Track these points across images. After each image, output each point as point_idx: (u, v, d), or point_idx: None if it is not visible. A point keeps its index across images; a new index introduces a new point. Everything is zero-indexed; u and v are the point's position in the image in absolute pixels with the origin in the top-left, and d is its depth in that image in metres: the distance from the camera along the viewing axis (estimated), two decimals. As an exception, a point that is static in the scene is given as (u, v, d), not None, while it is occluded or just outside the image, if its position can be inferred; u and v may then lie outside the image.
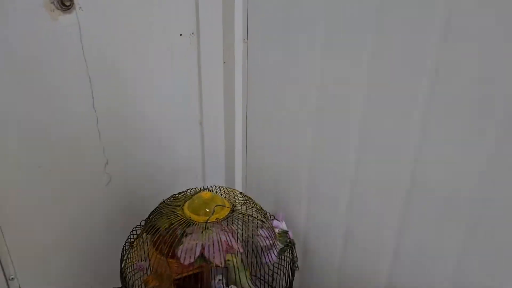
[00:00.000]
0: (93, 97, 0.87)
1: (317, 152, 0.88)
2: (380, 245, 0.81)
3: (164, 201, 0.92)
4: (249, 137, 1.06)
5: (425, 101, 0.65)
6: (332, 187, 0.87)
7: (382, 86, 0.71)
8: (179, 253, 0.79)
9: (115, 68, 0.89)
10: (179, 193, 0.94)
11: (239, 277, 0.85)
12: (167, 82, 0.98)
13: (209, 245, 0.77)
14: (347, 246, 0.89)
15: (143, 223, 0.96)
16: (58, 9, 0.77)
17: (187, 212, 0.83)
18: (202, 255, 0.79)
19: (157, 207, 0.91)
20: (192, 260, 0.78)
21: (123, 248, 0.90)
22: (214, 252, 0.77)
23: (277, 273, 0.88)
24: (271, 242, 0.86)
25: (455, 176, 0.65)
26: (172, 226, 0.81)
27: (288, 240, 0.91)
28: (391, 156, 0.73)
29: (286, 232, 0.92)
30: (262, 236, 0.86)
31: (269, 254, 0.87)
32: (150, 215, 0.90)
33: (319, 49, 0.80)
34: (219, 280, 0.95)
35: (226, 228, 0.81)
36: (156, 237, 0.80)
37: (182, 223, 0.80)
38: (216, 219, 0.82)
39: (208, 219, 0.81)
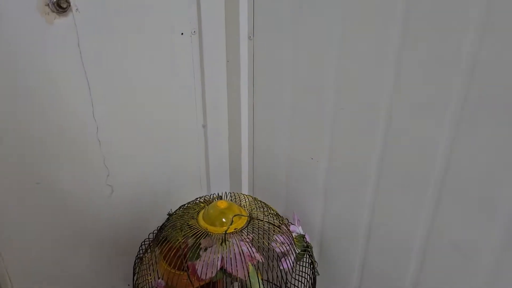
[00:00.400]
0: (92, 105, 0.81)
1: (335, 150, 0.84)
2: (407, 246, 0.78)
3: (174, 212, 0.87)
4: (256, 138, 1.02)
5: (459, 96, 0.62)
6: (353, 184, 0.83)
7: (410, 80, 0.68)
8: (198, 268, 0.74)
9: (115, 73, 0.83)
10: (188, 203, 0.89)
11: (257, 284, 0.81)
12: (169, 84, 0.92)
13: (230, 257, 0.73)
14: (369, 248, 0.86)
15: (151, 235, 0.91)
16: (54, 12, 0.71)
17: (202, 223, 0.79)
18: (222, 268, 0.75)
19: (167, 219, 0.86)
20: (212, 275, 0.74)
21: (134, 264, 0.84)
22: (236, 265, 0.72)
23: (297, 279, 0.85)
24: (288, 247, 0.82)
25: (491, 174, 0.62)
26: (190, 239, 0.77)
27: (305, 245, 0.88)
28: (420, 150, 0.70)
29: (303, 236, 0.89)
30: (278, 242, 0.82)
31: (286, 260, 0.83)
32: (161, 228, 0.85)
33: (337, 44, 0.76)
34: (236, 289, 0.92)
35: (246, 238, 0.77)
36: (174, 251, 0.76)
37: (199, 235, 0.76)
38: (235, 229, 0.77)
39: (226, 230, 0.76)
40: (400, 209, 0.77)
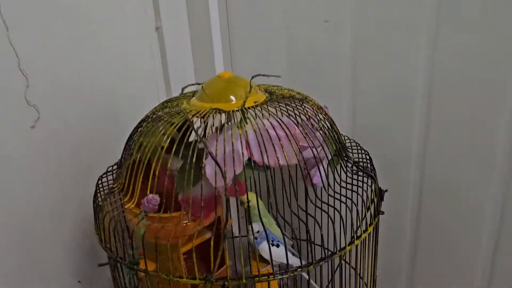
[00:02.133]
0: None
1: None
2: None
3: (143, 121, 0.54)
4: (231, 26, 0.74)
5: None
6: (402, 41, 0.60)
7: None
8: (207, 168, 0.43)
9: None
10: (162, 105, 0.56)
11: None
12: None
13: (263, 138, 0.44)
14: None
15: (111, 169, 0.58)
16: None
17: (199, 104, 0.49)
18: (250, 160, 0.45)
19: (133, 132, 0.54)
20: (239, 170, 0.44)
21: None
22: (275, 149, 0.43)
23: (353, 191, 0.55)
24: (320, 151, 0.52)
25: None
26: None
27: (337, 144, 0.58)
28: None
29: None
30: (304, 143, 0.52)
31: (316, 172, 0.54)
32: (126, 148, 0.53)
33: None
34: (258, 231, 0.61)
35: (276, 115, 0.48)
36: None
37: (204, 115, 0.46)
38: (255, 102, 0.49)
39: (244, 103, 0.47)
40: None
